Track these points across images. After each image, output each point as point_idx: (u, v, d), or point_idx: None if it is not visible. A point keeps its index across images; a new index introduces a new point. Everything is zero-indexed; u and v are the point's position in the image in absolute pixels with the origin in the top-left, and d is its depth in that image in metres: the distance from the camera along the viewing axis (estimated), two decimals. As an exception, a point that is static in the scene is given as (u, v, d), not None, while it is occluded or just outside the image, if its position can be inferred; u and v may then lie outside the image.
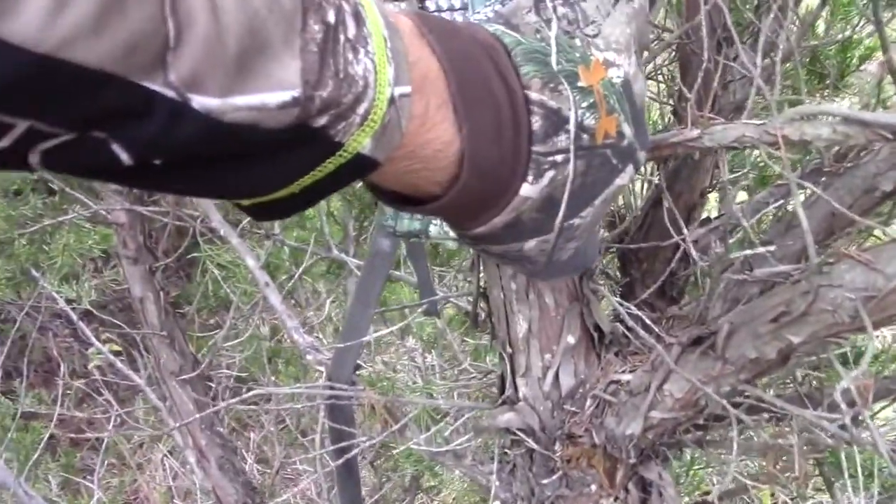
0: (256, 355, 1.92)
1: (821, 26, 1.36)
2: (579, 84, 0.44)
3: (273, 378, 1.77)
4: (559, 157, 0.43)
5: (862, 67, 1.43)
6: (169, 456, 2.86)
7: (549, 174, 0.43)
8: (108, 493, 3.07)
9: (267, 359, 1.72)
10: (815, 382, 1.10)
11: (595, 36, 0.48)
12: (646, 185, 1.27)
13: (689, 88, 1.06)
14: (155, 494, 3.16)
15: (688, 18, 1.08)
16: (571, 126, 0.43)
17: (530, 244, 0.46)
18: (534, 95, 0.42)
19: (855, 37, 1.34)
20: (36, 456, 2.03)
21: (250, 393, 1.02)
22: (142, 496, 3.44)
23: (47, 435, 2.26)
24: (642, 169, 1.07)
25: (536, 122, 0.42)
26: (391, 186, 0.42)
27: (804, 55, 1.28)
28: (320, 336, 1.79)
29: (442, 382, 1.20)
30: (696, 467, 1.33)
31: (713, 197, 1.58)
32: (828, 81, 1.40)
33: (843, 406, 0.65)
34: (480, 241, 0.46)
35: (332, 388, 1.07)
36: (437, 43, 0.39)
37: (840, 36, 1.36)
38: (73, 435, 3.17)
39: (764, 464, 0.89)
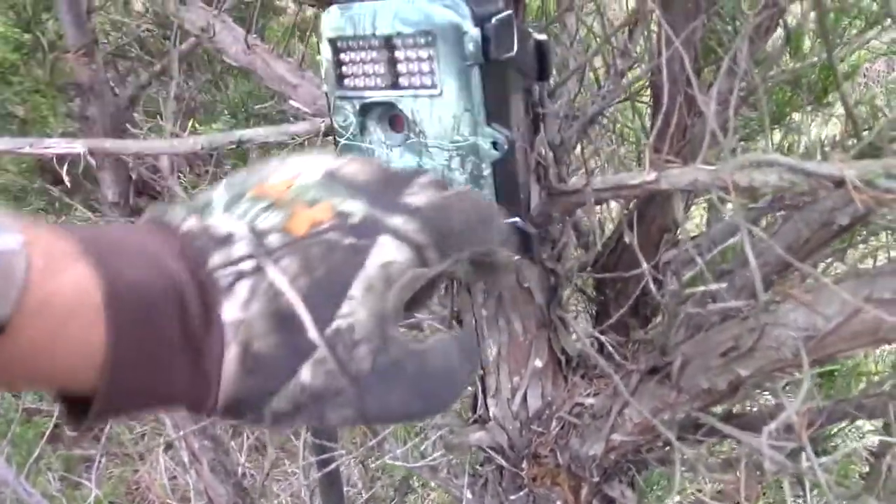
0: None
1: (806, 43, 1.40)
2: (247, 197, 0.44)
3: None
4: (246, 265, 0.40)
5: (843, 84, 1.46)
6: (168, 449, 2.90)
7: (244, 284, 0.40)
8: (109, 481, 3.12)
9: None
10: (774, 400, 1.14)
11: (276, 169, 0.47)
12: (618, 208, 1.31)
13: (660, 122, 1.10)
14: (156, 485, 3.21)
15: (658, 50, 1.12)
16: (243, 231, 0.41)
17: (305, 374, 0.40)
18: (184, 226, 0.41)
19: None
20: (37, 452, 2.08)
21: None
22: (143, 486, 3.49)
23: (50, 427, 2.30)
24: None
25: (197, 243, 0.40)
26: (65, 378, 0.36)
27: (780, 80, 1.32)
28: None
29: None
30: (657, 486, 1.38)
31: (696, 213, 1.63)
32: (808, 99, 1.43)
33: (774, 442, 0.69)
34: (244, 409, 0.40)
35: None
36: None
37: (816, 59, 1.39)
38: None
39: (722, 483, 0.93)
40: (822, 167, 0.70)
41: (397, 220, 0.44)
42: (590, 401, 0.94)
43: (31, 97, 1.97)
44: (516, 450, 0.97)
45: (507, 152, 0.74)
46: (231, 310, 0.39)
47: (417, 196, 0.47)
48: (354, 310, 0.40)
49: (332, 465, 1.07)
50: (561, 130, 0.91)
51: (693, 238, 1.30)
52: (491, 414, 0.97)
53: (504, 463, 0.97)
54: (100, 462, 2.50)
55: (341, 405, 0.41)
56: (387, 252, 0.42)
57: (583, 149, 1.15)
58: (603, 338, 0.96)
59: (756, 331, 0.75)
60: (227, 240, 0.41)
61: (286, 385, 0.40)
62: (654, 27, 1.13)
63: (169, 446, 2.88)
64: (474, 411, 1.01)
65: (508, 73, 0.76)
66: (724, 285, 0.80)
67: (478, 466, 1.02)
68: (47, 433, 2.26)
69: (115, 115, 1.55)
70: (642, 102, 1.26)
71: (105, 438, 2.64)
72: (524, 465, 0.96)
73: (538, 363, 0.95)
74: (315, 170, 0.46)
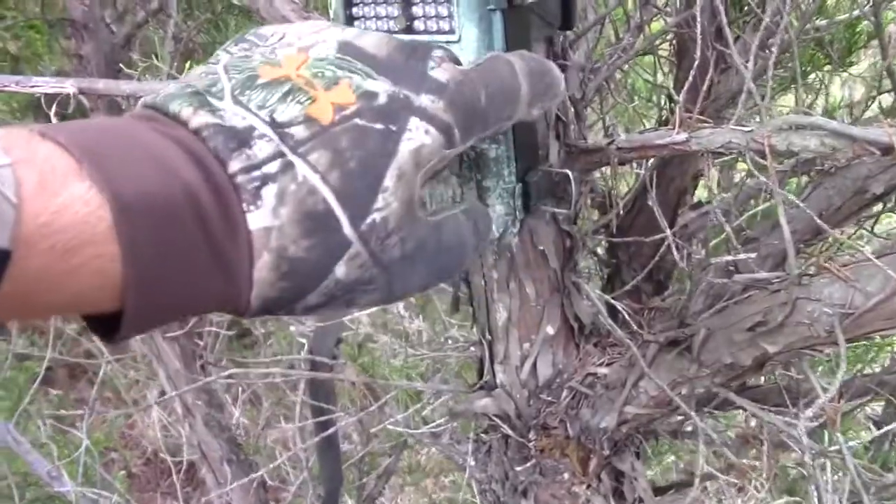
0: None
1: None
2: (259, 83, 0.40)
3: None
4: (272, 167, 0.37)
5: (869, 44, 1.40)
6: (163, 396, 2.88)
7: (271, 189, 0.37)
8: (103, 426, 3.12)
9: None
10: (795, 373, 1.10)
11: (281, 38, 0.43)
12: (636, 168, 1.26)
13: (684, 79, 1.04)
14: (150, 432, 3.20)
15: (687, 3, 1.06)
16: (265, 128, 0.38)
17: (340, 270, 0.39)
18: (194, 122, 0.37)
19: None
20: (28, 399, 2.05)
21: (229, 372, 1.03)
22: (136, 433, 3.49)
23: (42, 371, 2.28)
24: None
25: (212, 143, 0.37)
26: (86, 304, 0.34)
27: (807, 39, 1.26)
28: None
29: (425, 353, 1.20)
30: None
31: (713, 176, 1.56)
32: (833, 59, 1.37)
33: (805, 422, 0.65)
34: (277, 309, 0.39)
35: (312, 363, 1.08)
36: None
37: (845, 16, 1.33)
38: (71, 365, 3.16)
39: (734, 458, 0.90)
40: (868, 132, 0.65)
41: (425, 100, 0.42)
42: (603, 371, 0.90)
43: (24, 33, 1.91)
44: (523, 419, 0.93)
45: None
46: (259, 218, 0.36)
47: (440, 71, 0.44)
48: (388, 202, 0.39)
49: (331, 430, 1.04)
50: (582, 84, 0.86)
51: (709, 203, 1.25)
52: (498, 381, 0.94)
53: (510, 432, 0.94)
54: (93, 409, 2.48)
55: (370, 292, 0.41)
56: (417, 136, 0.41)
57: (601, 104, 1.09)
58: (618, 304, 0.91)
59: (787, 305, 0.71)
60: (246, 139, 0.37)
61: (322, 283, 0.39)
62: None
63: (163, 394, 2.87)
64: (480, 377, 0.98)
65: (532, 19, 0.71)
66: (752, 255, 0.76)
67: (482, 434, 0.98)
68: (39, 378, 2.23)
69: (110, 54, 1.49)
70: (664, 58, 1.21)
71: (99, 382, 2.62)
72: (532, 435, 0.92)
73: (550, 330, 0.90)
74: (328, 41, 0.43)
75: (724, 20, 0.87)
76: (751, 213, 0.86)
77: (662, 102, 1.26)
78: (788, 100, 1.51)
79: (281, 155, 0.37)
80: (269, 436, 1.91)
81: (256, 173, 0.37)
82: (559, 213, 0.79)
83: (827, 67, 1.36)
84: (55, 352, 2.34)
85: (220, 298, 0.37)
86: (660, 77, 1.22)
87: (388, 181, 0.39)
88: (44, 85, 0.85)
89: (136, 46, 1.56)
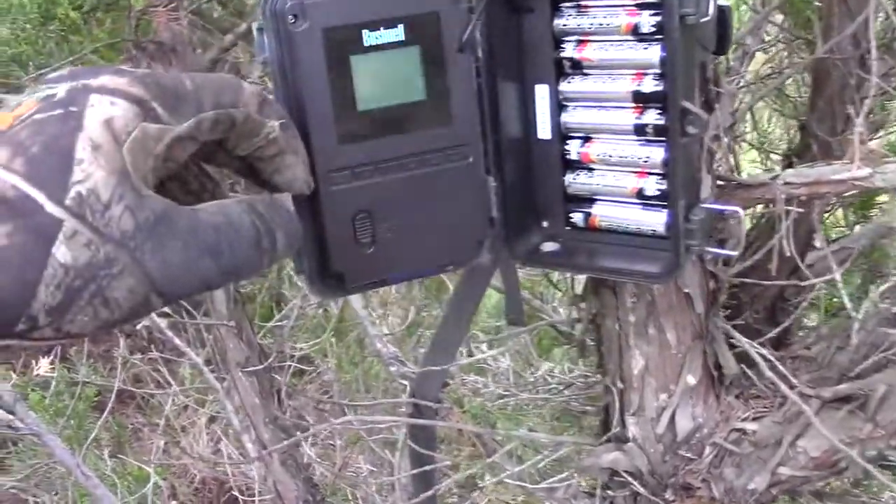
0: (320, 339, 1.88)
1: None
2: None
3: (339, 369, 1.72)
4: None
5: None
6: (212, 422, 2.85)
7: None
8: (153, 454, 3.09)
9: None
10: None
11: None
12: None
13: (826, 106, 0.98)
14: (199, 464, 3.16)
15: (825, 29, 0.99)
16: None
17: (62, 254, 0.37)
18: None
19: None
20: (94, 435, 2.03)
21: (339, 420, 0.97)
22: (185, 459, 3.45)
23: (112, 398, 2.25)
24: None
25: None
26: None
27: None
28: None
29: (535, 397, 1.14)
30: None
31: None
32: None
33: None
34: (10, 318, 0.38)
35: (416, 406, 1.02)
36: None
37: None
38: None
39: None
40: None
41: (103, 79, 0.42)
42: (751, 426, 0.82)
43: (94, 58, 1.90)
44: (657, 476, 0.86)
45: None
46: None
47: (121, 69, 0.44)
48: (90, 171, 0.38)
49: (433, 490, 0.98)
50: (734, 114, 0.80)
51: (838, 239, 1.18)
52: (630, 434, 0.87)
53: (642, 490, 0.87)
54: (158, 445, 2.45)
55: (119, 275, 0.39)
56: (102, 108, 0.40)
57: (735, 135, 1.03)
58: (764, 352, 0.84)
59: None
60: None
61: (44, 272, 0.37)
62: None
63: (212, 420, 2.83)
64: (606, 429, 0.91)
65: (693, 40, 0.66)
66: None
67: (607, 489, 0.91)
68: (107, 409, 2.21)
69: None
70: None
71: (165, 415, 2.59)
72: (668, 494, 0.85)
73: (691, 379, 0.84)
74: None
75: (873, 44, 0.81)
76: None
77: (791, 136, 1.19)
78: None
79: None
80: (345, 477, 1.85)
81: None
82: (721, 253, 0.73)
83: None
84: (111, 377, 2.32)
85: None
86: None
87: (82, 153, 0.38)
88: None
89: (224, 70, 1.53)
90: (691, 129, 0.62)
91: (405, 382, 1.05)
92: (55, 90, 0.41)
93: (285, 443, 1.41)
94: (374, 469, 1.75)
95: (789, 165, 1.06)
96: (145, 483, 2.18)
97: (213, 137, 0.46)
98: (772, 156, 1.29)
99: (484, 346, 1.69)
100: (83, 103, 0.40)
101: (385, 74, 0.65)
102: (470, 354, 1.36)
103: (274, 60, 0.63)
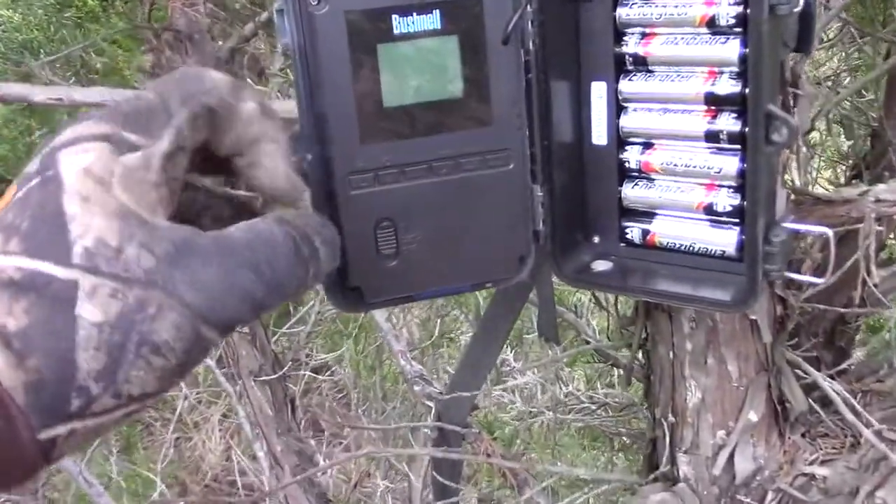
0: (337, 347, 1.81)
1: None
2: None
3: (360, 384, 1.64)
4: None
5: None
6: (225, 420, 2.80)
7: None
8: (166, 448, 3.03)
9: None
10: None
11: None
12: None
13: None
14: (210, 456, 3.11)
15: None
16: None
17: (89, 313, 0.36)
18: None
19: None
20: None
21: (361, 453, 0.89)
22: (196, 455, 3.40)
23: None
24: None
25: None
26: None
27: None
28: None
29: (566, 417, 1.06)
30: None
31: None
32: None
33: None
34: (62, 406, 0.36)
35: (441, 431, 0.94)
36: None
37: None
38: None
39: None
40: None
41: (65, 134, 0.40)
42: (821, 471, 0.74)
43: (108, 47, 1.83)
44: (711, 522, 0.78)
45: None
46: None
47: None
48: (88, 223, 0.37)
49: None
50: (814, 120, 0.72)
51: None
52: (681, 473, 0.78)
53: (693, 536, 0.78)
54: (166, 444, 2.39)
55: (159, 315, 0.37)
56: (75, 161, 0.38)
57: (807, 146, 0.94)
58: (838, 387, 0.75)
59: None
60: None
61: (76, 337, 0.35)
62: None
63: (225, 416, 2.77)
64: (653, 466, 0.83)
65: (779, 35, 0.58)
66: None
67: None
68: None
69: (214, 69, 1.38)
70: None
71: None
72: (724, 542, 0.77)
73: (752, 416, 0.75)
74: None
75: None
76: None
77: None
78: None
79: None
80: (361, 493, 1.78)
81: None
82: (806, 280, 0.64)
83: None
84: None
85: None
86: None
87: (73, 209, 0.37)
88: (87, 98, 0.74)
89: (244, 62, 1.46)
90: (777, 138, 0.54)
91: (430, 404, 0.97)
92: (29, 167, 0.39)
93: (299, 477, 1.34)
94: (391, 485, 1.67)
95: (856, 176, 0.97)
96: (152, 487, 2.12)
97: (198, 138, 0.42)
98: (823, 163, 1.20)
99: (510, 357, 1.61)
100: (55, 163, 0.38)
101: (417, 67, 0.57)
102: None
103: (294, 46, 0.55)
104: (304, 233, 0.43)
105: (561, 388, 1.40)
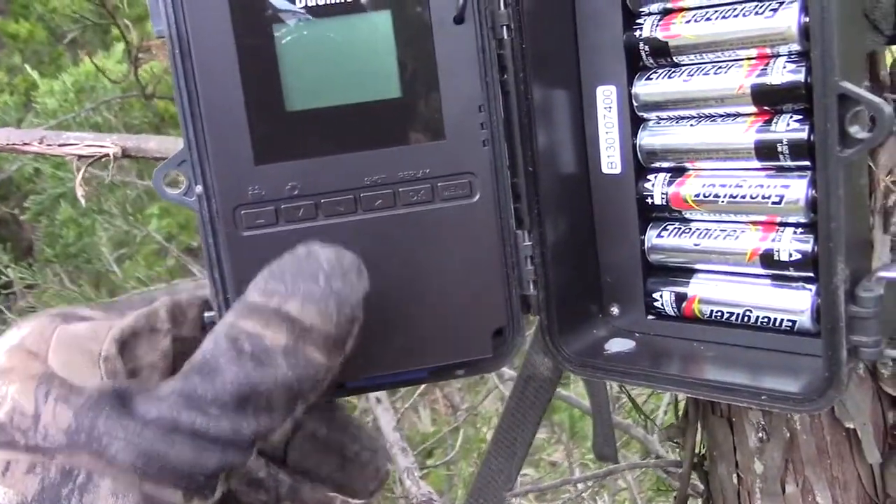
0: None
1: None
2: None
3: None
4: None
5: None
6: None
7: None
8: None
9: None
10: None
11: None
12: None
13: None
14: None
15: None
16: None
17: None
18: None
19: None
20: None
21: None
22: None
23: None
24: None
25: None
26: None
27: None
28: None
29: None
30: None
31: None
32: None
33: None
34: None
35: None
36: None
37: None
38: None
39: None
40: None
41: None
42: None
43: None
44: None
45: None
46: None
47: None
48: (2, 395, 0.34)
49: None
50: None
51: None
52: None
53: None
54: None
55: (88, 484, 0.33)
56: (7, 339, 0.36)
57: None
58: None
59: None
60: None
61: None
62: None
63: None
64: None
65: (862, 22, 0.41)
66: None
67: None
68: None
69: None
70: None
71: None
72: None
73: (857, 570, 0.53)
74: None
75: None
76: None
77: None
78: None
79: None
80: None
81: None
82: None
83: None
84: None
85: None
86: None
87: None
88: (78, 143, 0.62)
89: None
90: (859, 133, 0.35)
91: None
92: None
93: None
94: None
95: None
96: None
97: (177, 323, 0.39)
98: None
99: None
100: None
101: (332, 56, 0.41)
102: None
103: (170, 33, 0.40)
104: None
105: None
